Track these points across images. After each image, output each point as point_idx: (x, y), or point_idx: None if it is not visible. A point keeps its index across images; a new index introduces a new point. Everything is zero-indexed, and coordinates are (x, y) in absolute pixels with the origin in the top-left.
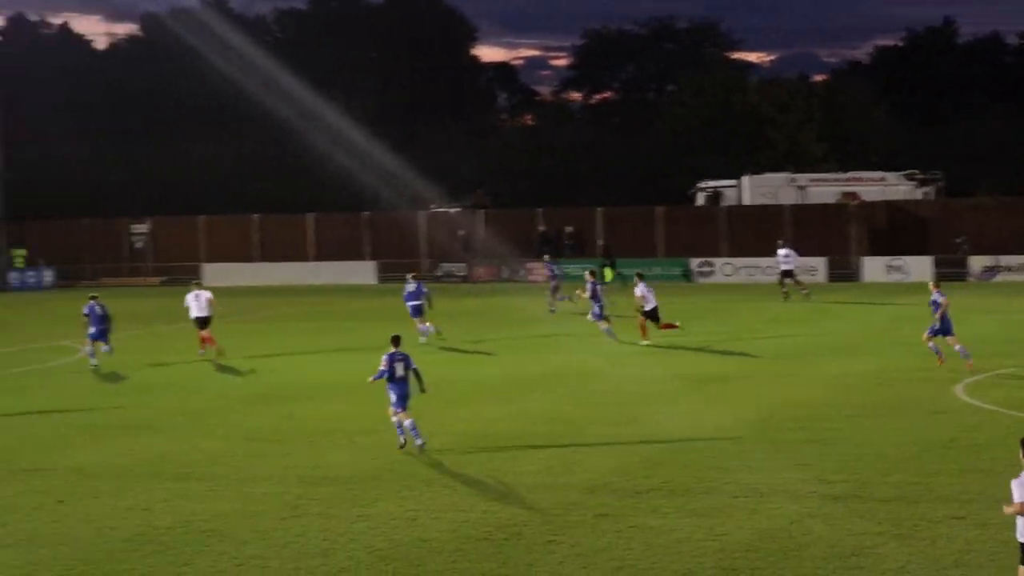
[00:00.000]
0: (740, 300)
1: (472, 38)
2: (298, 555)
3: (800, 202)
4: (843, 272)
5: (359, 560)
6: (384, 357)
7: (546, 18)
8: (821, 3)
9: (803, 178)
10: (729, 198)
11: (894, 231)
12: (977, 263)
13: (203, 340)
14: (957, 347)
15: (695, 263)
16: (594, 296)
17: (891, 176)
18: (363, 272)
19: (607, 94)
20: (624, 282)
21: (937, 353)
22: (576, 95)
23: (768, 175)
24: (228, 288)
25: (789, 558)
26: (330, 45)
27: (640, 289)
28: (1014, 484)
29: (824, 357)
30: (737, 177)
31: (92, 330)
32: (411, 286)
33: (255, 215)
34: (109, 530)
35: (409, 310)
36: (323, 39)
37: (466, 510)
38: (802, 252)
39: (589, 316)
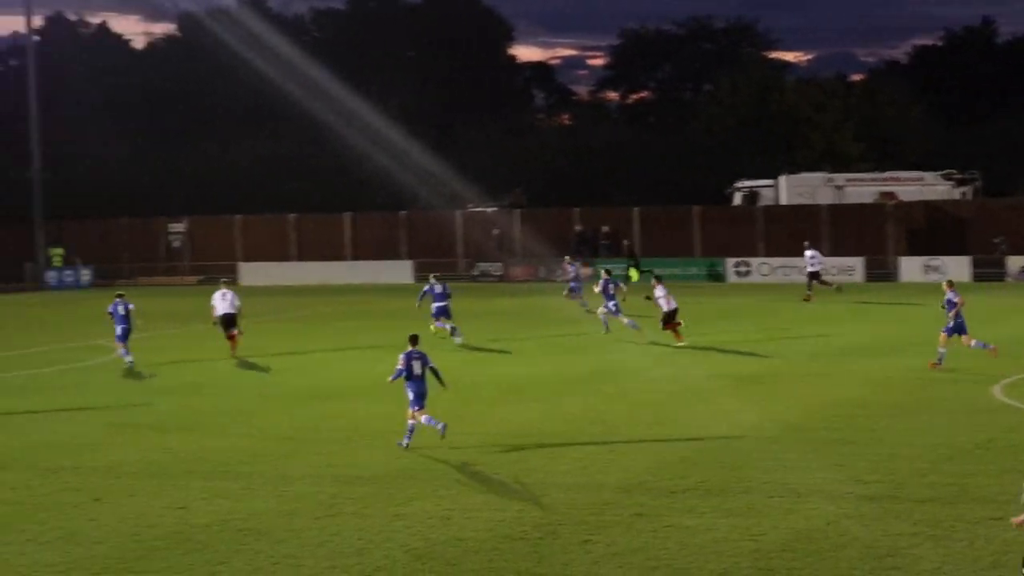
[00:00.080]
0: (777, 300)
1: (509, 38)
2: (333, 554)
3: (837, 202)
4: (880, 272)
5: (395, 559)
6: (401, 356)
7: (583, 18)
8: (859, 3)
9: (840, 178)
10: (766, 198)
11: (932, 231)
12: (1015, 263)
13: (229, 338)
14: (972, 343)
15: (731, 263)
16: (605, 293)
17: (929, 176)
18: (400, 271)
19: (644, 94)
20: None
21: (940, 360)
22: (613, 95)
23: (805, 175)
24: (264, 287)
25: (825, 559)
26: (368, 45)
27: (659, 291)
28: None
29: (860, 357)
30: (774, 177)
31: (117, 330)
32: (438, 287)
33: (291, 215)
34: (146, 528)
35: (434, 311)
36: (361, 39)
37: (501, 509)
38: (825, 253)
39: (600, 310)
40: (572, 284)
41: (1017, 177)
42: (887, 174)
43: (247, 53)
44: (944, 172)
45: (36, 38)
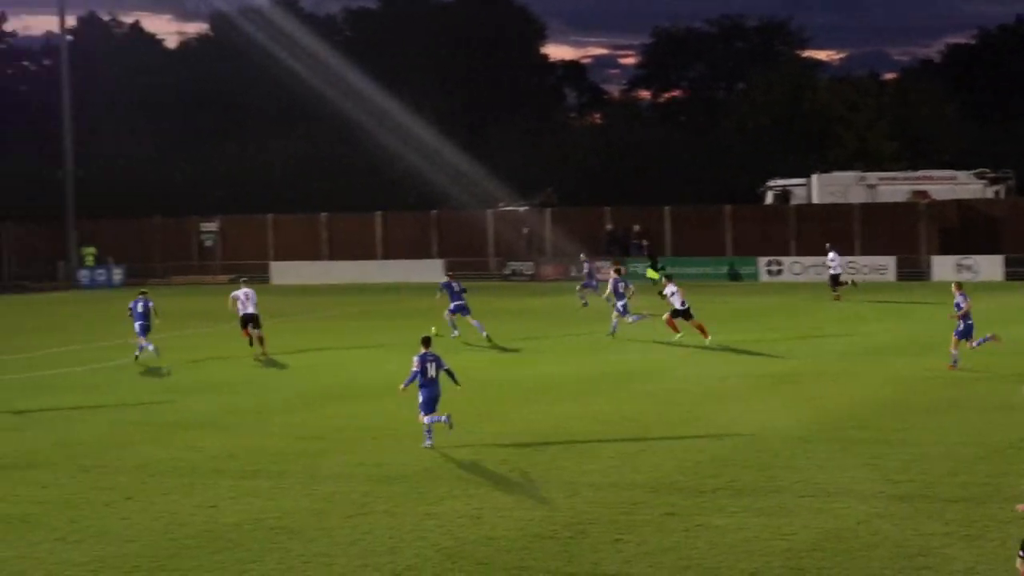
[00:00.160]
0: (808, 299)
1: (541, 36)
2: (365, 552)
3: (870, 201)
4: (913, 271)
5: (426, 558)
6: (415, 358)
7: (615, 17)
8: (892, 1)
9: (873, 177)
10: (798, 197)
11: (964, 230)
12: None
13: (258, 339)
14: (974, 344)
15: (763, 262)
16: (615, 292)
17: (962, 175)
18: (431, 270)
19: (676, 93)
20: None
21: (954, 363)
22: (645, 94)
23: (837, 174)
24: (296, 286)
25: (856, 558)
26: (400, 44)
27: (670, 289)
28: None
29: (892, 356)
30: (806, 176)
31: (136, 327)
32: (455, 285)
33: (323, 214)
34: (177, 527)
35: (452, 308)
36: (393, 38)
37: (532, 508)
38: (858, 252)
39: (615, 313)
40: (585, 281)
41: None
42: (920, 173)
43: (279, 53)
44: (977, 171)
45: (69, 38)
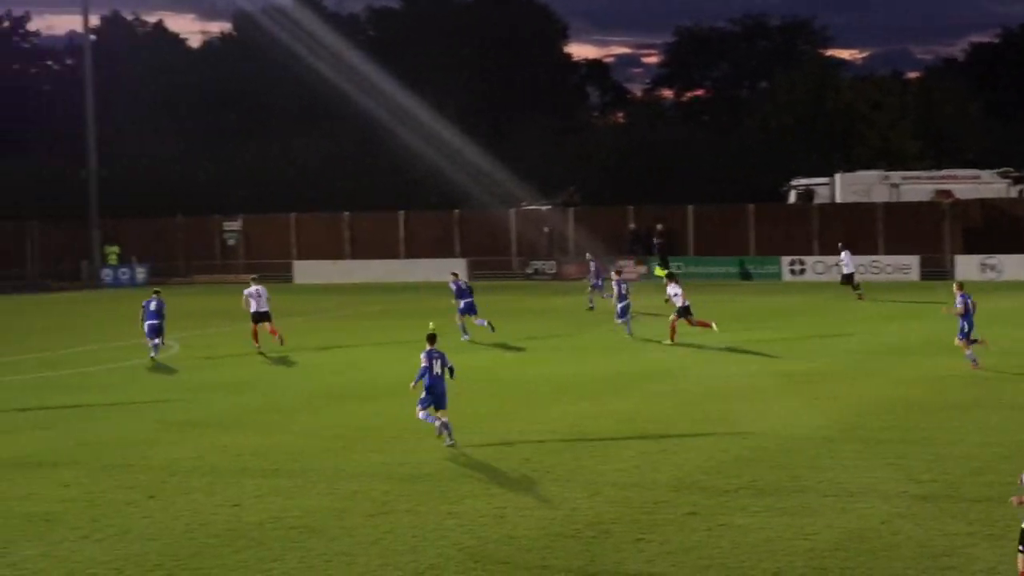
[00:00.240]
0: (831, 299)
1: (564, 35)
2: (386, 552)
3: (893, 200)
4: (936, 271)
5: (448, 557)
6: (423, 355)
7: (638, 16)
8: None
9: (896, 176)
10: (821, 196)
11: (988, 229)
12: None
13: (270, 333)
14: (968, 353)
15: (786, 261)
16: (618, 294)
17: (985, 174)
18: (454, 269)
19: (699, 92)
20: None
21: (975, 362)
22: (668, 93)
23: (861, 173)
24: (319, 286)
25: (879, 558)
26: (422, 43)
27: (672, 288)
28: None
29: (915, 356)
30: (829, 175)
31: (144, 326)
32: (462, 284)
33: (346, 213)
34: (199, 526)
35: (463, 307)
36: (415, 37)
37: (554, 507)
38: (881, 251)
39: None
40: (594, 282)
41: None
42: (943, 172)
43: (302, 52)
44: (1001, 170)
45: (92, 37)
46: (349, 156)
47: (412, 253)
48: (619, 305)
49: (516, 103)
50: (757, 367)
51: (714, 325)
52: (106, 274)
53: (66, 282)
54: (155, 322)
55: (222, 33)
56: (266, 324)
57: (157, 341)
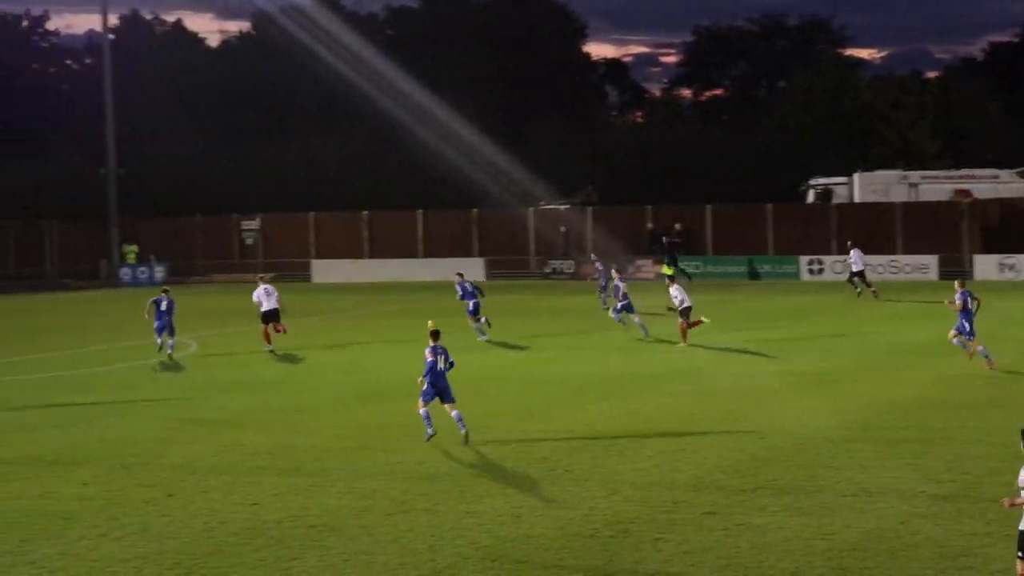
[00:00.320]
0: (850, 298)
1: (582, 35)
2: (405, 551)
3: (912, 200)
4: (955, 270)
5: (465, 556)
6: (427, 351)
7: (656, 15)
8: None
9: (915, 175)
10: (840, 196)
11: (1007, 229)
12: None
13: (275, 331)
14: (955, 340)
15: (804, 261)
16: (618, 294)
17: (1004, 173)
18: (472, 269)
19: (717, 91)
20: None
21: (988, 358)
22: (686, 92)
23: (880, 172)
24: (337, 285)
25: (897, 558)
26: (441, 42)
27: (673, 290)
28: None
29: (933, 355)
30: (848, 174)
31: (156, 323)
32: (468, 285)
33: (364, 212)
34: (218, 524)
35: (471, 307)
36: (434, 36)
37: (572, 507)
38: (900, 251)
39: (633, 317)
40: (601, 283)
41: None
42: (962, 171)
43: (321, 51)
44: (1020, 169)
45: (111, 37)
46: (367, 155)
47: (430, 252)
48: (619, 303)
49: (534, 102)
50: (775, 367)
51: (703, 318)
52: (125, 273)
53: (85, 281)
54: (164, 321)
55: (241, 32)
56: (274, 323)
57: (171, 341)
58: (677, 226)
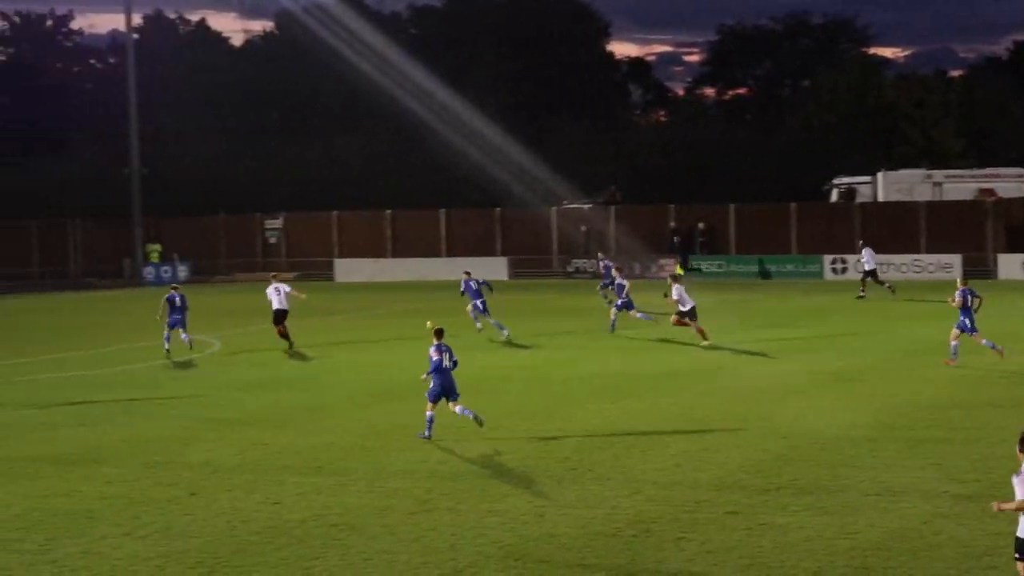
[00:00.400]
0: (873, 297)
1: (605, 34)
2: (427, 549)
3: (936, 199)
4: (979, 269)
5: (487, 555)
6: (432, 349)
7: (679, 14)
8: None
9: (939, 174)
10: (864, 195)
11: None
12: None
13: (285, 332)
14: (953, 343)
15: (828, 260)
16: (619, 291)
17: None
18: (496, 268)
19: (741, 90)
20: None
21: (995, 347)
22: (710, 91)
23: (904, 171)
24: (360, 284)
25: (920, 558)
26: (464, 41)
27: (676, 291)
28: (1015, 480)
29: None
30: (872, 173)
31: (168, 319)
32: (473, 283)
33: (387, 211)
34: (241, 523)
35: (478, 306)
36: (457, 35)
37: (594, 506)
38: (923, 250)
39: (634, 313)
40: (605, 281)
41: None
42: (986, 170)
43: (344, 50)
44: None
45: (135, 36)
46: (390, 154)
47: (453, 252)
48: (619, 301)
49: (557, 101)
50: (797, 366)
51: (707, 342)
52: (148, 272)
53: (108, 280)
54: (179, 316)
55: (264, 32)
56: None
57: (185, 336)
58: (701, 225)
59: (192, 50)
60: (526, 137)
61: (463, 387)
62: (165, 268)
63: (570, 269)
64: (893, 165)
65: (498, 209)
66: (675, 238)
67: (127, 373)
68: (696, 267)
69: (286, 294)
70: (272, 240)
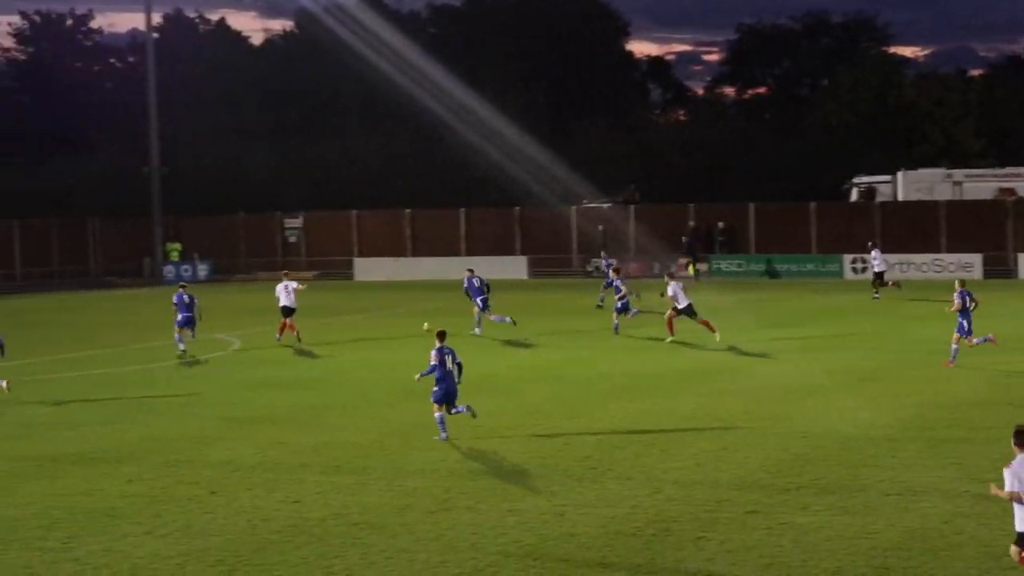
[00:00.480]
0: (893, 297)
1: (625, 33)
2: (446, 548)
3: (956, 198)
4: (999, 269)
5: (507, 554)
6: (433, 352)
7: (699, 13)
8: None
9: (959, 174)
10: (884, 194)
11: None
12: None
13: (285, 327)
14: (953, 347)
15: (848, 259)
16: (617, 291)
17: None
18: (515, 267)
19: (760, 89)
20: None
21: (987, 339)
22: (729, 91)
23: (923, 171)
24: (379, 283)
25: (940, 557)
26: (483, 41)
27: (672, 288)
28: (1006, 472)
29: (977, 355)
30: (892, 173)
31: (179, 317)
32: (475, 280)
33: (407, 210)
34: (261, 522)
35: (480, 304)
36: (476, 34)
37: (614, 505)
38: (943, 249)
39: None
40: (606, 282)
41: None
42: (1007, 170)
43: (364, 50)
44: None
45: (155, 35)
46: (410, 154)
47: (473, 251)
48: (619, 302)
49: (577, 101)
50: (816, 365)
51: (717, 337)
52: (168, 271)
53: (128, 279)
54: (190, 315)
55: (284, 31)
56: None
57: (192, 333)
58: (721, 224)
59: (212, 49)
60: (545, 136)
61: (481, 386)
62: (185, 267)
63: (589, 268)
64: (913, 164)
65: (517, 208)
66: (683, 238)
67: (147, 372)
68: (717, 266)
69: (294, 291)
70: (292, 239)
